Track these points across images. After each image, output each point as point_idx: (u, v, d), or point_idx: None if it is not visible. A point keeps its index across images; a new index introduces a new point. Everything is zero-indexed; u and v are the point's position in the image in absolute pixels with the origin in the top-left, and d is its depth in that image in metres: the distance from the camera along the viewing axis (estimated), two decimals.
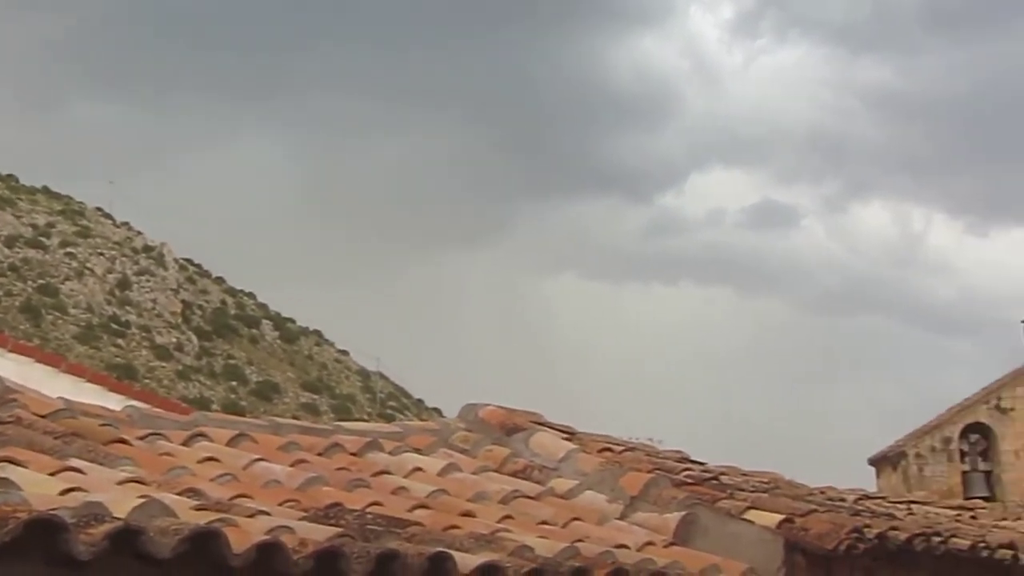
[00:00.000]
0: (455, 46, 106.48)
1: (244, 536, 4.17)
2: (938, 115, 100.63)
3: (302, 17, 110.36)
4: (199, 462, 6.11)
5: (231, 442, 6.74)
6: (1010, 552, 9.10)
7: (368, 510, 5.55)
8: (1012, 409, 31.37)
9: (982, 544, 8.76)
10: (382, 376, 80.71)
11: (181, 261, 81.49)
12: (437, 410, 65.75)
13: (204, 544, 3.97)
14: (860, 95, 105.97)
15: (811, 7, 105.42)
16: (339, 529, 4.79)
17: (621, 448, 8.39)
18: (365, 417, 62.74)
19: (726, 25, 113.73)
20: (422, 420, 12.26)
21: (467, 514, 6.15)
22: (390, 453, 7.44)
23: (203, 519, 4.32)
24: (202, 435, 6.75)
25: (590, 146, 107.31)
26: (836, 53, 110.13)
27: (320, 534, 4.60)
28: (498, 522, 6.11)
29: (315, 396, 74.60)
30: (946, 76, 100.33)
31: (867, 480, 32.09)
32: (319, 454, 7.02)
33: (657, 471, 7.58)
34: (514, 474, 7.57)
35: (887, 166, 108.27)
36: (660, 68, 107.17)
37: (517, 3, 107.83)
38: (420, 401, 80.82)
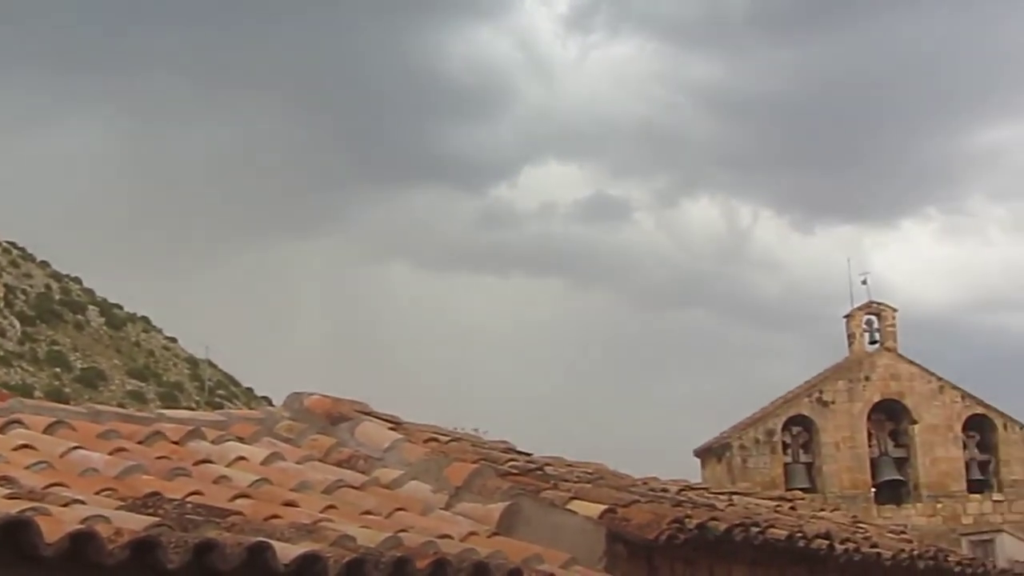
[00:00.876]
0: (289, 29, 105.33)
1: (57, 525, 4.07)
2: (766, 113, 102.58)
3: None
4: (13, 450, 5.97)
5: (48, 429, 6.59)
6: (825, 542, 9.32)
7: (187, 499, 5.46)
8: (833, 402, 32.13)
9: (799, 534, 8.95)
10: (211, 364, 79.63)
11: (3, 244, 79.47)
12: (267, 399, 65.05)
13: (14, 534, 3.87)
14: (691, 91, 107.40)
15: (644, 2, 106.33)
16: (156, 519, 4.71)
17: (447, 438, 8.40)
18: (193, 405, 61.89)
19: (560, 19, 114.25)
20: (250, 409, 12.10)
21: (289, 504, 6.10)
22: (213, 442, 7.34)
23: (14, 508, 4.21)
24: (18, 422, 6.59)
25: (424, 136, 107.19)
26: (667, 49, 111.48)
27: (136, 523, 4.52)
28: (321, 512, 6.06)
29: (142, 384, 73.32)
30: (775, 75, 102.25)
31: (693, 471, 32.62)
32: (139, 442, 6.89)
33: (482, 461, 7.60)
34: (339, 464, 7.52)
35: (716, 162, 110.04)
36: (495, 60, 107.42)
37: None
38: (250, 390, 79.89)
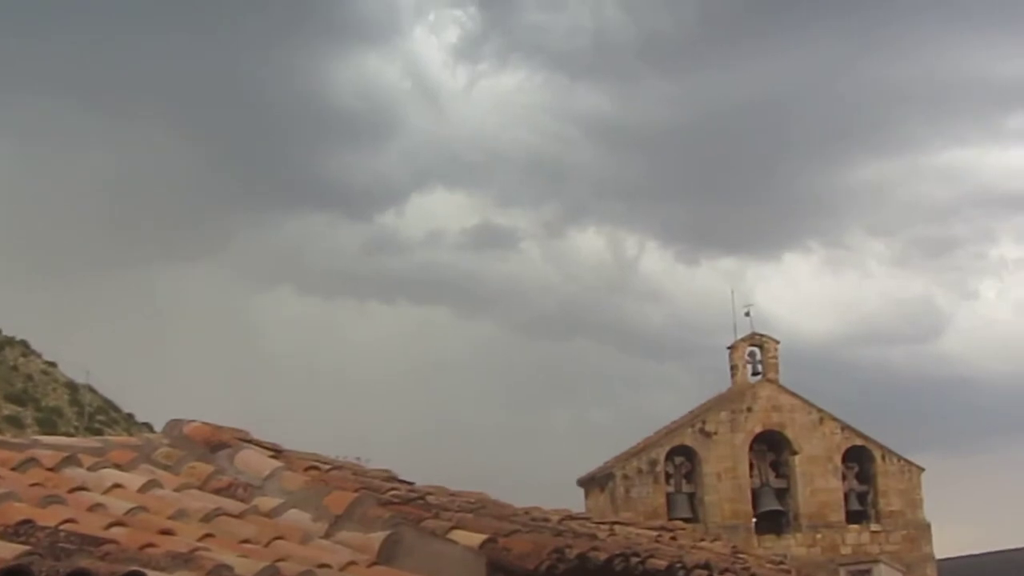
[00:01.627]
0: (176, 50, 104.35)
1: None
2: (654, 144, 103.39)
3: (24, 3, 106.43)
4: None
5: None
6: (705, 572, 9.38)
7: (61, 527, 5.37)
8: (715, 433, 32.40)
9: (679, 564, 9.00)
10: (91, 389, 78.41)
11: None
12: (148, 425, 64.22)
13: None
14: (579, 122, 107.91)
15: (533, 33, 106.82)
16: (28, 547, 4.63)
17: (328, 467, 8.34)
18: (72, 431, 60.87)
19: (450, 48, 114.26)
20: (131, 435, 11.92)
21: (166, 532, 6.02)
22: (88, 468, 7.22)
23: None
24: None
25: (313, 161, 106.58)
26: (556, 79, 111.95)
27: (8, 552, 4.44)
28: (198, 540, 5.99)
29: (20, 408, 72.03)
30: (662, 106, 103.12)
31: (576, 501, 32.72)
32: (12, 469, 6.77)
33: (363, 490, 7.55)
34: (217, 491, 7.44)
35: (603, 193, 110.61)
36: (383, 87, 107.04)
37: (242, 6, 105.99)
38: (130, 416, 78.79)
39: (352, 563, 6.47)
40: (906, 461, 33.36)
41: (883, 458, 33.15)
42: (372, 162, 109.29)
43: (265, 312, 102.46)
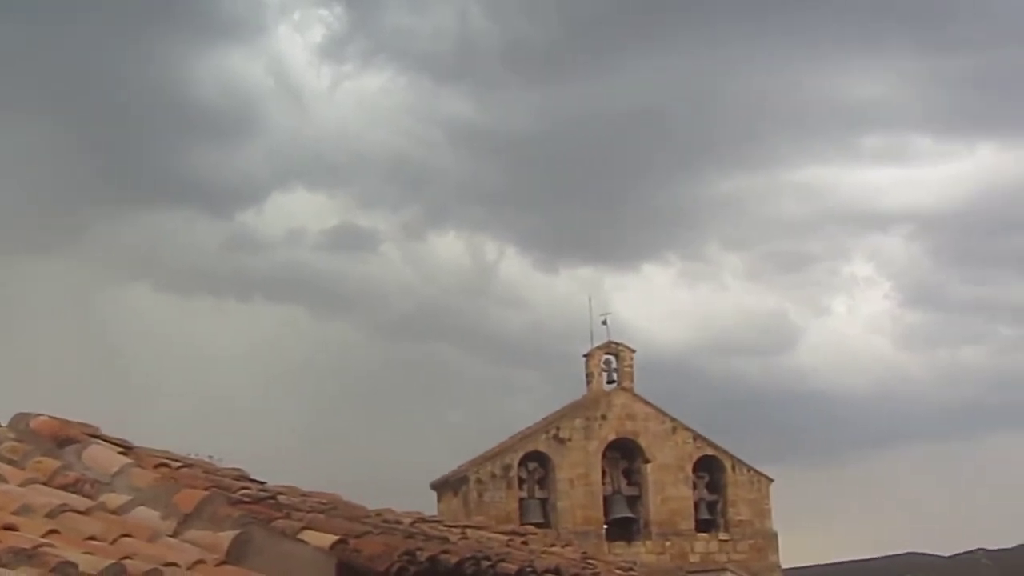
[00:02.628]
0: (35, 40, 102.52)
1: None
2: (516, 150, 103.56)
3: None
4: None
5: None
6: None
7: None
8: (569, 439, 32.61)
9: (529, 569, 9.04)
10: None
11: None
12: None
13: None
14: (442, 126, 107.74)
15: (398, 35, 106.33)
16: None
17: (178, 464, 8.24)
18: None
19: (315, 47, 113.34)
20: None
21: (9, 527, 5.89)
22: None
23: None
24: None
25: (173, 157, 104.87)
26: (420, 82, 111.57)
27: None
28: (43, 536, 5.88)
29: None
30: (526, 113, 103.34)
31: (430, 504, 32.72)
32: None
33: (213, 488, 7.47)
34: (64, 487, 7.29)
35: (465, 198, 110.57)
36: (246, 85, 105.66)
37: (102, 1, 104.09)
38: None
39: (200, 562, 6.40)
40: (756, 472, 33.88)
41: (733, 468, 33.63)
42: (234, 159, 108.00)
43: (119, 308, 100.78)
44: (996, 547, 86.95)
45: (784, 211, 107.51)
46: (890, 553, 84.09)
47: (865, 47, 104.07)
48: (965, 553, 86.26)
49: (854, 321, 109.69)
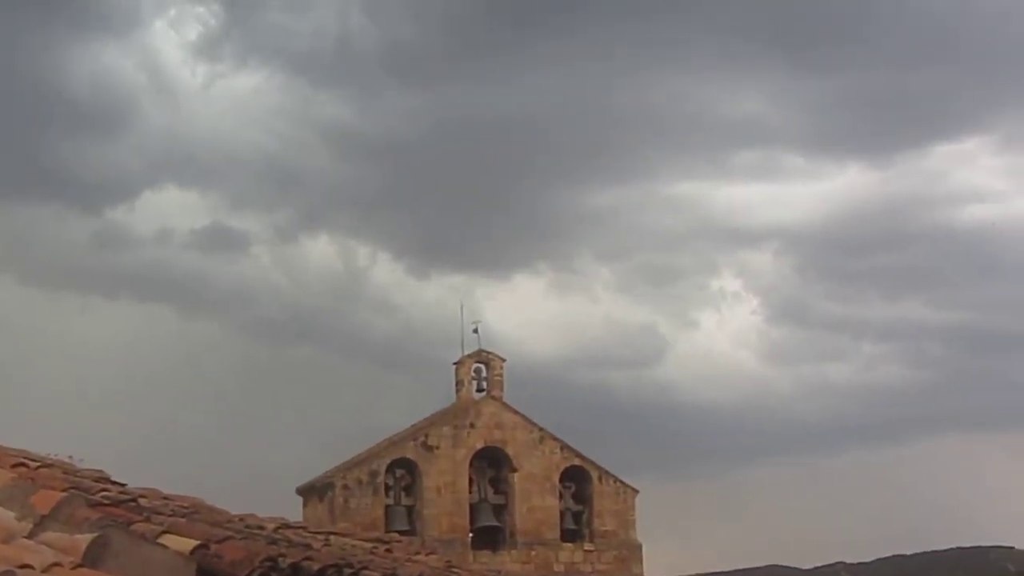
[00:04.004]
0: None
1: None
2: (390, 156, 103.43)
3: None
4: None
5: None
6: None
7: None
8: (438, 447, 32.58)
9: None
10: None
11: None
12: None
13: None
14: (317, 128, 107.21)
15: (275, 34, 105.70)
16: None
17: (36, 464, 8.06)
18: None
19: (190, 45, 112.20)
20: None
21: None
22: None
23: None
24: None
25: (40, 150, 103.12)
26: (296, 84, 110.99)
27: None
28: None
29: None
30: (402, 118, 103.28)
31: (295, 510, 32.46)
32: None
33: (72, 490, 7.32)
34: None
35: (338, 202, 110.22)
36: (119, 80, 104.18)
37: None
38: None
39: (56, 564, 6.25)
40: (621, 483, 34.10)
41: (600, 479, 33.82)
42: (104, 155, 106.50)
43: None
44: (856, 560, 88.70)
45: (656, 224, 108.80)
46: (752, 566, 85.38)
47: (741, 65, 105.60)
48: (825, 566, 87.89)
49: (722, 335, 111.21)
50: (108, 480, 8.74)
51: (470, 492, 32.77)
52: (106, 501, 7.55)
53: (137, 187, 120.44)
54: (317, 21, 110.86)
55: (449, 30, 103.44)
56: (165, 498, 9.01)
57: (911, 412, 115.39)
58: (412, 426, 34.12)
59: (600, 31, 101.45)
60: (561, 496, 33.52)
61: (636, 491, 34.27)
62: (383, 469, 32.22)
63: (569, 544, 33.32)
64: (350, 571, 8.19)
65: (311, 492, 33.19)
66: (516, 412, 33.48)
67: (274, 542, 8.32)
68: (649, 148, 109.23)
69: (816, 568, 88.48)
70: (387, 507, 32.20)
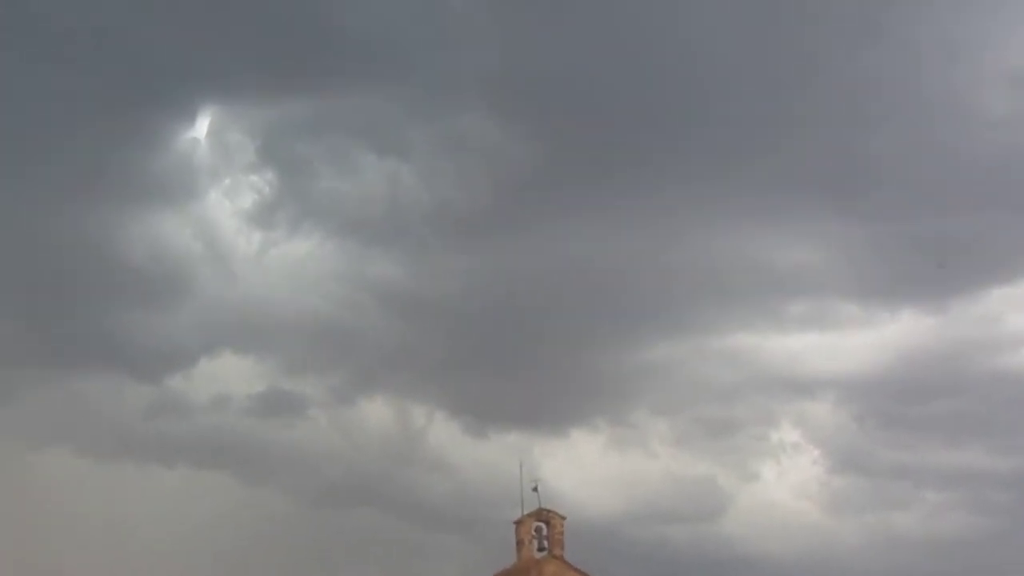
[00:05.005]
0: None
1: None
2: (445, 315, 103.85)
3: None
4: None
5: None
6: None
7: None
8: None
9: None
10: None
11: None
12: None
13: None
14: (370, 290, 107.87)
15: (327, 198, 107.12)
16: None
17: None
18: None
19: (244, 214, 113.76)
20: None
21: None
22: None
23: None
24: None
25: (100, 319, 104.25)
26: (348, 246, 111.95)
27: None
28: None
29: None
30: (455, 278, 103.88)
31: None
32: None
33: None
34: None
35: (394, 363, 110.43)
36: (175, 249, 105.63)
37: (34, 158, 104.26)
38: None
39: None
40: None
41: None
42: (162, 324, 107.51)
43: (37, 474, 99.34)
44: None
45: (712, 377, 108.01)
46: None
47: (792, 216, 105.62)
48: None
49: (783, 487, 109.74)
50: None
51: None
52: None
53: (194, 354, 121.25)
54: (367, 184, 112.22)
55: (497, 190, 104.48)
56: None
57: (978, 560, 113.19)
58: None
59: (647, 186, 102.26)
60: None
61: None
62: None
63: None
64: None
65: None
66: (578, 570, 33.27)
67: None
68: (703, 301, 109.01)
69: None
70: None
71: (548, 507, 33.65)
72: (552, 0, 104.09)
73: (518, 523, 33.57)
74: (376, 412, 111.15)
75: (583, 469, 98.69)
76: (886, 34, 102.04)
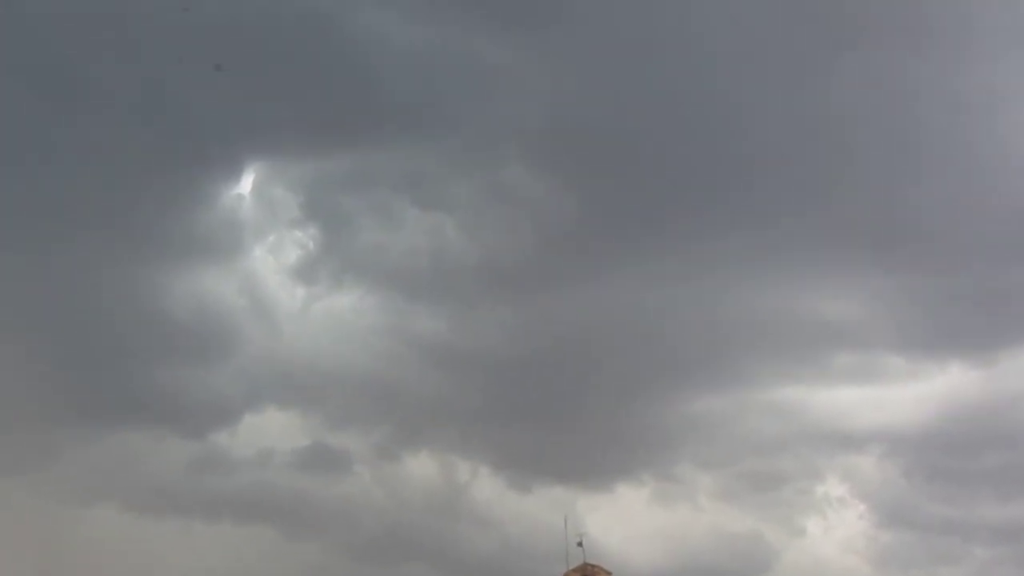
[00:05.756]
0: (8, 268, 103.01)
1: None
2: (490, 369, 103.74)
3: None
4: None
5: None
6: None
7: None
8: None
9: None
10: None
11: None
12: None
13: None
14: (414, 344, 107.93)
15: (370, 253, 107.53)
16: None
17: None
18: None
19: (288, 269, 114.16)
20: None
21: None
22: None
23: None
24: None
25: (145, 375, 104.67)
26: (392, 301, 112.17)
27: None
28: None
29: None
30: (499, 331, 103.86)
31: None
32: None
33: None
34: None
35: (438, 417, 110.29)
36: (220, 304, 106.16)
37: (82, 219, 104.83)
38: None
39: None
40: None
41: None
42: (207, 379, 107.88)
43: (83, 528, 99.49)
44: None
45: (757, 430, 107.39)
46: None
47: (839, 269, 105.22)
48: None
49: (829, 542, 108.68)
50: None
51: None
52: None
53: (238, 410, 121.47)
54: (411, 237, 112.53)
55: (543, 243, 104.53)
56: None
57: None
58: None
59: (691, 239, 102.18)
60: None
61: None
62: None
63: None
64: None
65: None
66: None
67: None
68: (748, 354, 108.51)
69: None
70: None
71: (593, 562, 33.48)
72: (594, 54, 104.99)
73: None
74: (420, 466, 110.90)
75: (628, 523, 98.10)
76: (928, 87, 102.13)
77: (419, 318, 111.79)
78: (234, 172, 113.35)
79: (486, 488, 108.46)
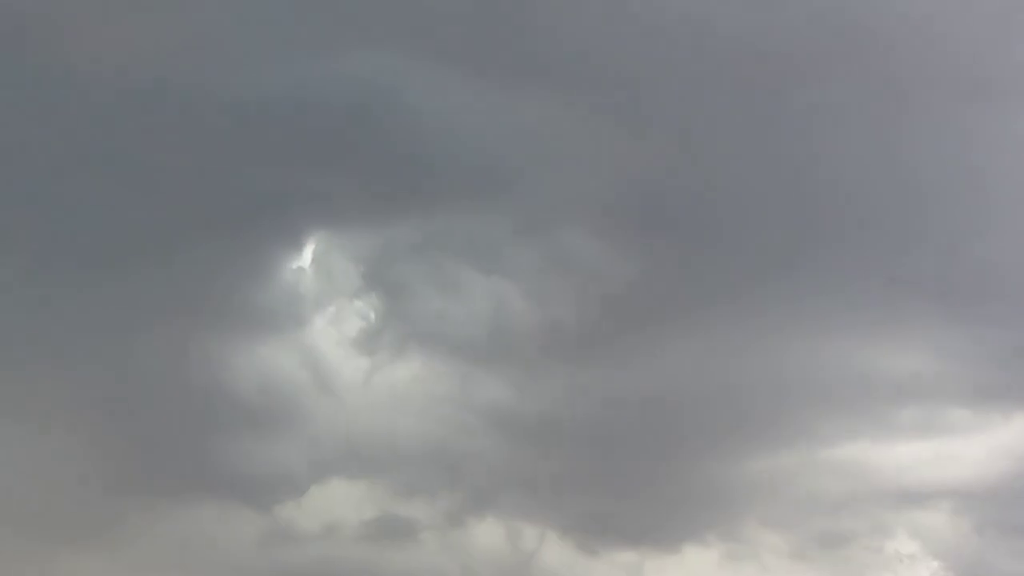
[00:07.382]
0: (66, 355, 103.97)
1: None
2: (555, 434, 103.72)
3: None
4: None
5: None
6: None
7: None
8: None
9: None
10: None
11: None
12: None
13: None
14: (478, 411, 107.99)
15: (431, 321, 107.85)
16: None
17: None
18: None
19: (349, 340, 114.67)
20: None
21: None
22: None
23: None
24: None
25: (210, 450, 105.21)
26: (454, 368, 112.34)
27: None
28: None
29: None
30: (564, 396, 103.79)
31: None
32: None
33: None
34: None
35: (504, 483, 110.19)
36: (283, 379, 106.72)
37: (139, 298, 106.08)
38: None
39: None
40: None
41: None
42: (271, 453, 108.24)
43: None
44: None
45: (823, 488, 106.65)
46: None
47: (898, 322, 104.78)
48: None
49: None
50: None
51: None
52: None
53: (304, 483, 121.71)
54: (472, 304, 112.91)
55: (606, 308, 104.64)
56: None
57: None
58: None
59: (753, 300, 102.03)
60: None
61: None
62: None
63: None
64: None
65: None
66: None
67: None
68: (812, 411, 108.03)
69: None
70: None
71: None
72: (656, 118, 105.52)
73: None
74: (487, 533, 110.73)
75: None
76: (992, 134, 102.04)
77: (482, 385, 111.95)
78: (295, 244, 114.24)
79: (553, 553, 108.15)
